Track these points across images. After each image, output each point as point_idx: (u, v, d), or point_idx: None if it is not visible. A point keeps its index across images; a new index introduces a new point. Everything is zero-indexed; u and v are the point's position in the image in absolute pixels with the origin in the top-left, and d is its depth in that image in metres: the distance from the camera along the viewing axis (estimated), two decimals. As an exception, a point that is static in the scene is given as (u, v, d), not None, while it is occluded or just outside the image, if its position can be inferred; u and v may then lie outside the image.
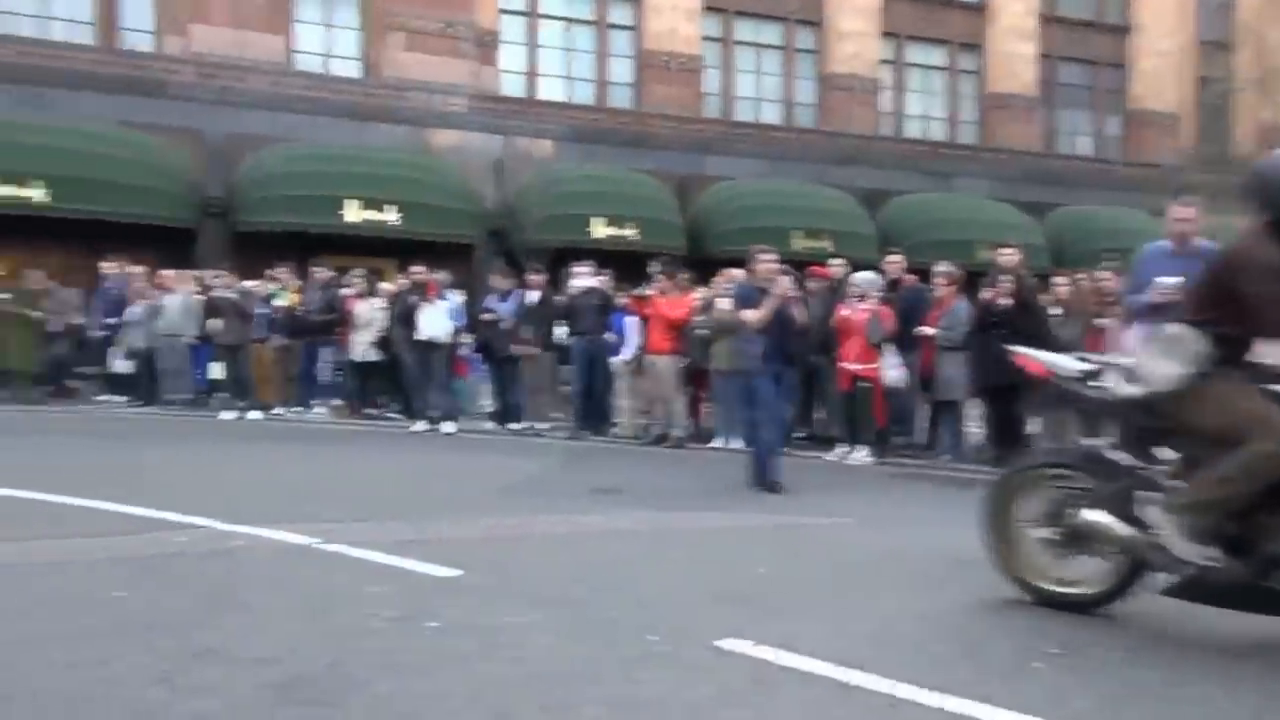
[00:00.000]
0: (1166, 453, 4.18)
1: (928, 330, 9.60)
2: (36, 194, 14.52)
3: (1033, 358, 4.58)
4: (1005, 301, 9.09)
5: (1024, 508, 4.42)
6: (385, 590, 4.21)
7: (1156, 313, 5.74)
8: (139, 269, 13.77)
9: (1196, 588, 3.91)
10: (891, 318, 9.47)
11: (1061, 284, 10.08)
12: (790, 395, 8.00)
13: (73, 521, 5.52)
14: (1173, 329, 4.01)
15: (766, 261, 7.74)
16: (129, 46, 16.79)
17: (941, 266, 9.94)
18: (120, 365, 13.54)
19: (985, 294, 9.34)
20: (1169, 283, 5.87)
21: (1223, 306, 3.84)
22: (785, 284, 7.80)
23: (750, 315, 7.52)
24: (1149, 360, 4.03)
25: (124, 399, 13.34)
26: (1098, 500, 4.14)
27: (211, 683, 3.08)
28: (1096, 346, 8.24)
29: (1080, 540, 4.20)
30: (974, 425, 9.96)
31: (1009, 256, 9.64)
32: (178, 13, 16.85)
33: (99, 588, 4.12)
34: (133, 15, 16.87)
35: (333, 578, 4.44)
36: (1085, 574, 4.24)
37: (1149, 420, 4.11)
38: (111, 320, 13.58)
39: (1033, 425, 9.70)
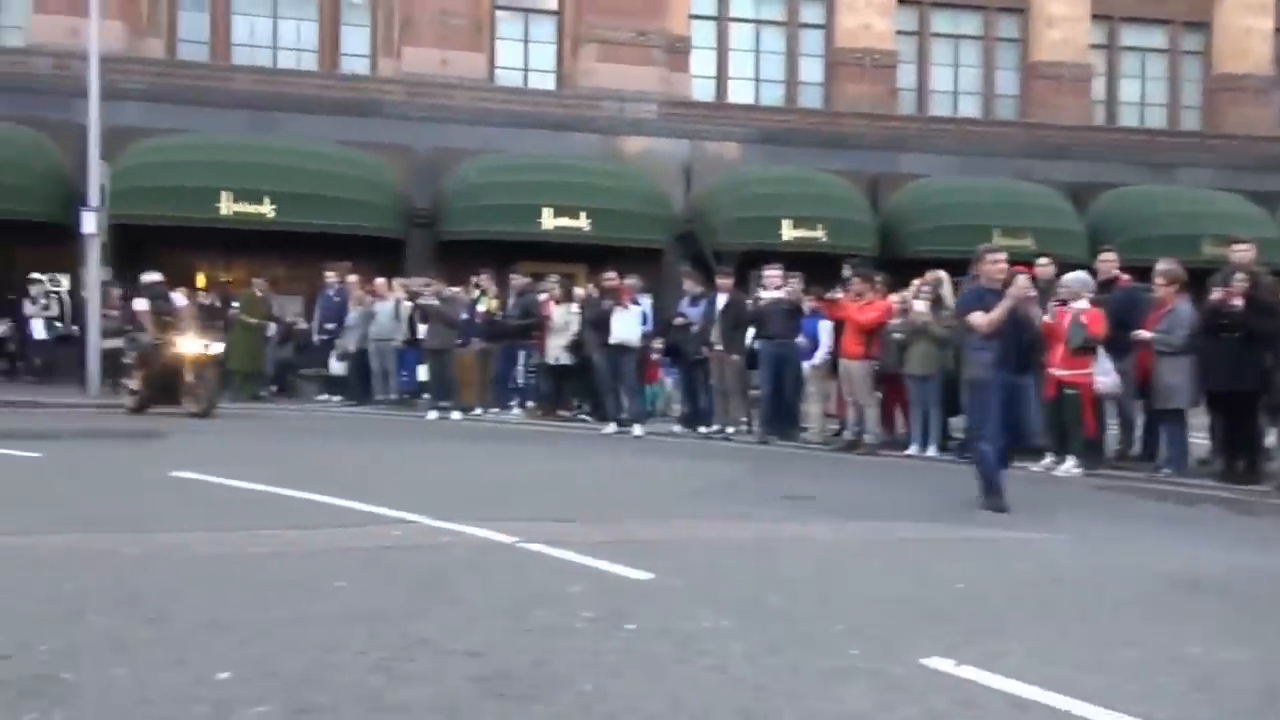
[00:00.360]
0: None
1: (1144, 334, 8.94)
2: (266, 210, 15.77)
3: None
4: (1238, 302, 8.34)
5: None
6: (583, 590, 4.31)
7: None
8: (354, 277, 14.73)
9: None
10: (1099, 320, 8.87)
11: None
12: (1033, 405, 7.24)
13: (295, 514, 5.96)
14: None
15: (996, 262, 7.19)
16: (348, 70, 18.02)
17: (1161, 265, 9.22)
18: (336, 367, 14.53)
19: (1216, 294, 8.61)
20: None
21: None
22: (1022, 284, 7.23)
23: (979, 318, 6.99)
24: None
25: (339, 398, 14.31)
26: None
27: (424, 672, 3.24)
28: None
29: None
30: (1197, 436, 9.22)
31: (1243, 252, 8.86)
32: (391, 36, 17.94)
33: (322, 577, 4.42)
34: (351, 41, 18.10)
35: (533, 576, 4.59)
36: None
37: None
38: (331, 325, 14.60)
39: (1269, 436, 8.90)
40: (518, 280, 13.61)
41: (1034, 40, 19.64)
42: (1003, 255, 7.30)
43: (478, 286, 13.62)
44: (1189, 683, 3.43)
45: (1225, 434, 8.88)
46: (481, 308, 13.35)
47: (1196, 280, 9.64)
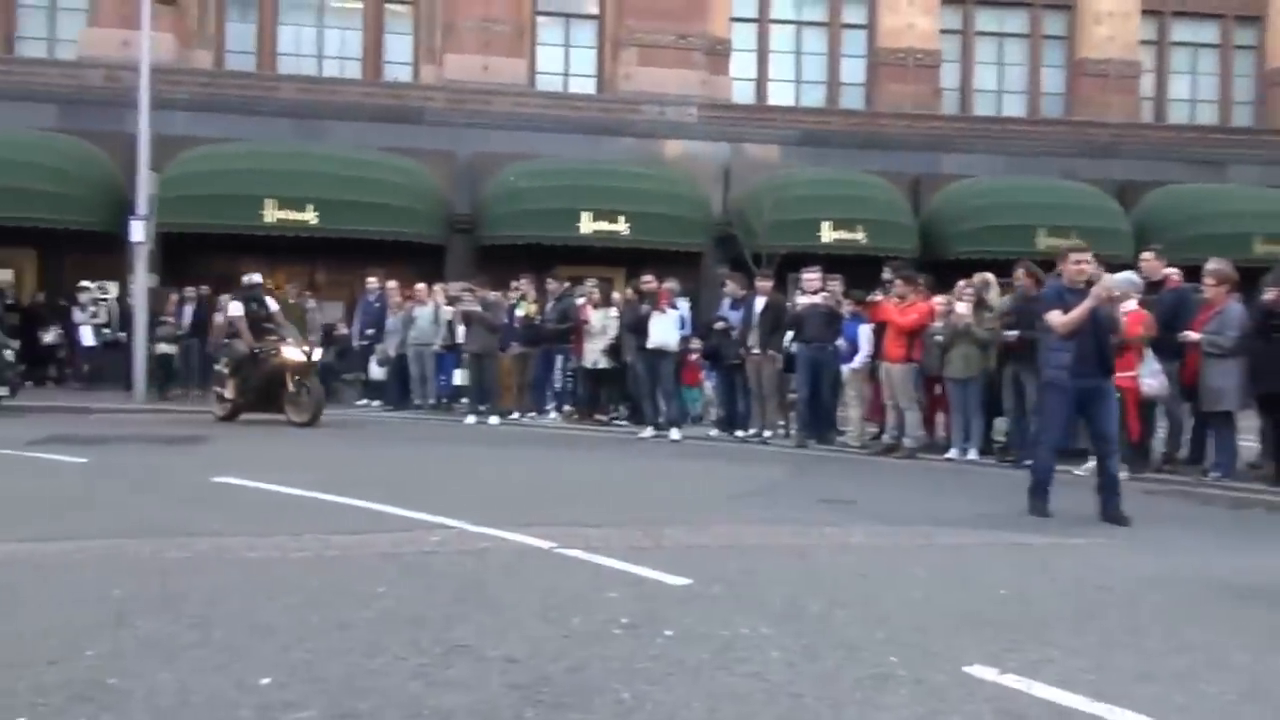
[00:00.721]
0: None
1: (1193, 335, 8.76)
2: (309, 217, 15.99)
3: None
4: (1289, 302, 8.16)
5: None
6: (620, 596, 4.31)
7: None
8: (393, 283, 14.87)
9: None
10: (1138, 321, 8.66)
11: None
12: (1113, 411, 6.90)
13: (335, 519, 6.01)
14: None
15: (1079, 262, 6.89)
16: (391, 78, 18.22)
17: (1211, 264, 9.05)
18: (376, 371, 14.68)
19: (1268, 294, 8.41)
20: None
21: None
22: (1107, 284, 6.90)
23: (1057, 318, 6.75)
24: None
25: (379, 403, 14.45)
26: None
27: (463, 679, 3.25)
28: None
29: None
30: (1247, 439, 9.01)
31: (1294, 252, 8.64)
32: (433, 44, 18.12)
33: (362, 582, 4.46)
34: (394, 49, 18.31)
35: (571, 581, 4.59)
36: None
37: None
38: (371, 330, 14.75)
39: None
40: (555, 284, 13.66)
41: (1081, 37, 19.37)
42: (1086, 255, 6.99)
43: (517, 290, 13.68)
44: (1238, 692, 3.35)
45: (1276, 437, 8.68)
46: (520, 312, 13.41)
47: (1249, 280, 9.44)
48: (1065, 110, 19.50)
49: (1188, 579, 5.12)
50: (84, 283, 15.90)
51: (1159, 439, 9.53)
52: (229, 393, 11.89)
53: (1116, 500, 6.70)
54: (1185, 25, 19.91)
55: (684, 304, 12.87)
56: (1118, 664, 3.62)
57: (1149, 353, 8.71)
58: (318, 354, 11.99)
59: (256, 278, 12.49)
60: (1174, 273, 9.62)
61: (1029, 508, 6.83)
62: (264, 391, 11.58)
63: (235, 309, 12.07)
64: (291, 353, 11.49)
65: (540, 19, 18.61)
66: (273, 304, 12.25)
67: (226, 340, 12.31)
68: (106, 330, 15.71)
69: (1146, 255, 9.83)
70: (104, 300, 15.94)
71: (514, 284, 13.83)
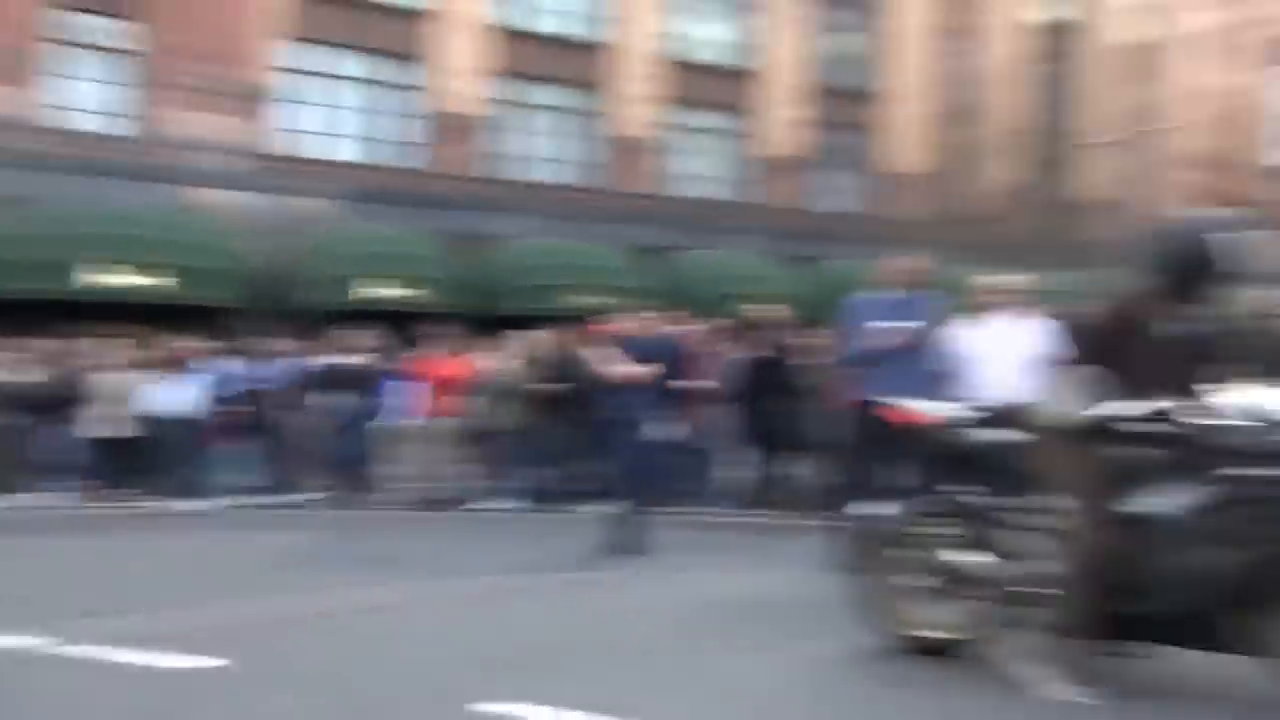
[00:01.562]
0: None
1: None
2: None
3: (911, 407, 4.52)
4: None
5: (894, 556, 4.39)
6: (147, 689, 4.00)
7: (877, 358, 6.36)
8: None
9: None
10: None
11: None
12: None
13: None
14: (1076, 369, 3.88)
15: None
16: None
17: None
18: None
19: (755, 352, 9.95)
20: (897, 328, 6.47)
21: (1103, 358, 3.83)
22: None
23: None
24: (1056, 397, 3.90)
25: None
26: (973, 543, 4.15)
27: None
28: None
29: (956, 585, 4.17)
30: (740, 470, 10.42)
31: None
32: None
33: None
34: None
35: (86, 684, 4.14)
36: (958, 619, 4.18)
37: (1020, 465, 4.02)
38: None
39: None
40: (50, 346, 12.06)
41: (611, 114, 21.29)
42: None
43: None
44: (708, 693, 3.98)
45: (765, 469, 10.18)
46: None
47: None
48: (601, 178, 21.31)
49: (690, 600, 5.84)
50: None
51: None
52: None
53: (634, 532, 7.43)
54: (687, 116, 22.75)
55: (236, 363, 11.98)
56: (622, 681, 4.10)
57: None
58: None
59: None
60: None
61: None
62: None
63: None
64: None
65: (60, 48, 16.58)
66: None
67: None
68: None
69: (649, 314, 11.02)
70: None
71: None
